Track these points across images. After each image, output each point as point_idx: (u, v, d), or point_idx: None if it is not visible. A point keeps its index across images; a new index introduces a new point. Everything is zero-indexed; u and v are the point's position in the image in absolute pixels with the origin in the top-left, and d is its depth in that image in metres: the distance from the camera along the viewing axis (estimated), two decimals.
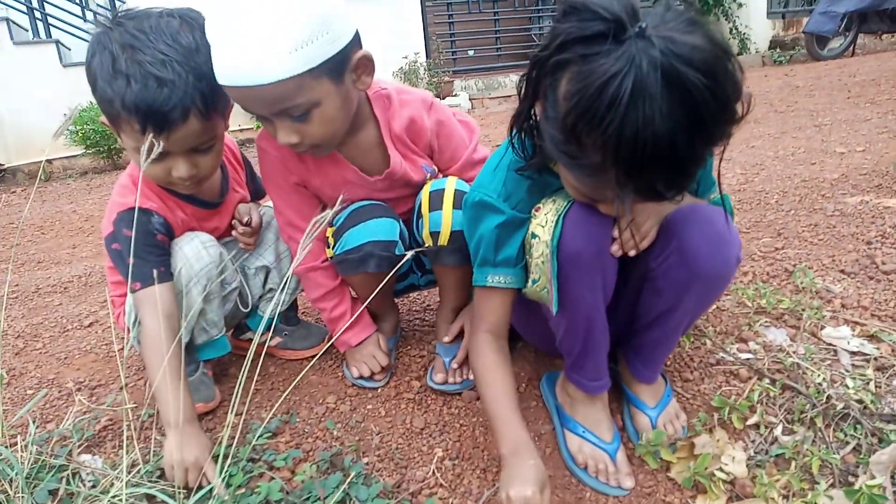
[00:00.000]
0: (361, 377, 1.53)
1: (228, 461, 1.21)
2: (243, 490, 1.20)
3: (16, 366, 1.78)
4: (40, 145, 6.28)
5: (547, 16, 10.24)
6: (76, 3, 7.27)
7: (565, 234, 1.09)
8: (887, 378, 1.47)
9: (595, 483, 1.28)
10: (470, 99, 8.23)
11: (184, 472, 1.18)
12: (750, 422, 1.38)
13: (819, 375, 1.47)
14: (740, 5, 9.24)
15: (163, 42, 1.17)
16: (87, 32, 6.84)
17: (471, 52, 9.69)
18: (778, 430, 1.37)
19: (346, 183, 1.43)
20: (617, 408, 1.43)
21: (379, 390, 1.53)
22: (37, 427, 1.45)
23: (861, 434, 1.33)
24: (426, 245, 1.40)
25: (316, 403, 1.48)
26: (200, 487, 1.16)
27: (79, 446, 1.33)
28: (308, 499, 1.19)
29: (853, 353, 1.55)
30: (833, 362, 1.53)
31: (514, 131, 1.08)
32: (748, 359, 1.55)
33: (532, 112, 1.02)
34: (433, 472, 1.29)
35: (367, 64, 1.24)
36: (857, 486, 1.17)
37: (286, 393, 1.50)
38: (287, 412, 1.45)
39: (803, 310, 1.68)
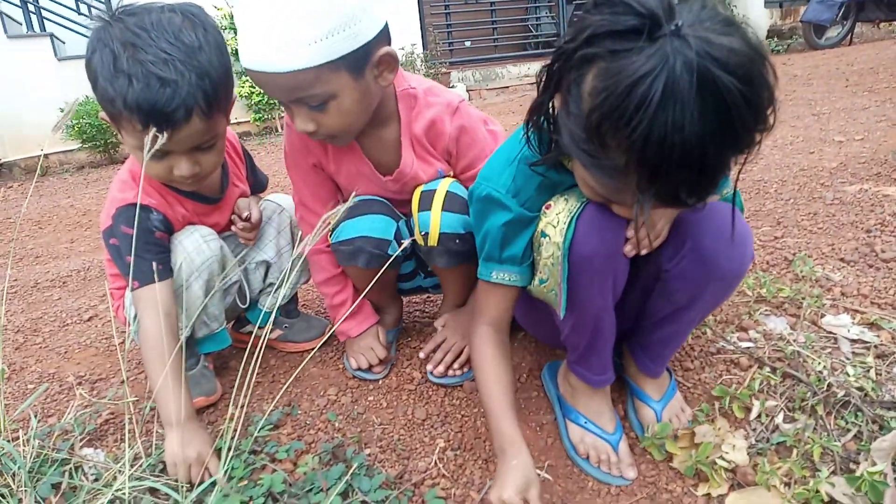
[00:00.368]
0: (360, 369, 1.53)
1: (230, 454, 1.21)
2: (246, 482, 1.20)
3: (16, 360, 1.77)
4: (36, 140, 6.26)
5: (544, 6, 10.20)
6: None
7: (578, 237, 1.08)
8: (888, 365, 1.48)
9: (597, 473, 1.28)
10: (467, 90, 8.21)
11: (187, 469, 1.18)
12: (751, 412, 1.39)
13: (819, 363, 1.47)
14: None
15: (165, 40, 1.15)
16: (81, 26, 6.81)
17: (467, 44, 9.66)
18: (779, 418, 1.37)
19: (360, 175, 1.43)
20: (619, 398, 1.43)
21: (380, 382, 1.53)
22: (38, 421, 1.45)
23: (862, 421, 1.33)
24: (419, 244, 1.40)
25: (317, 395, 1.48)
26: (202, 482, 1.16)
27: (81, 440, 1.33)
28: (310, 490, 1.19)
29: (853, 341, 1.56)
30: (833, 350, 1.53)
31: (530, 124, 1.05)
32: (748, 347, 1.56)
33: (551, 105, 0.98)
34: (435, 463, 1.29)
35: (390, 61, 1.23)
36: (858, 473, 1.17)
37: (286, 385, 1.50)
38: (289, 404, 1.45)
39: (803, 298, 1.69)
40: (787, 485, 1.23)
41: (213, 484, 1.14)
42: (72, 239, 2.91)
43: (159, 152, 1.17)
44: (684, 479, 1.27)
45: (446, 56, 8.92)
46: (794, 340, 1.55)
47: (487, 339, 1.21)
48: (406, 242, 1.16)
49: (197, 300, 1.38)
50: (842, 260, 1.90)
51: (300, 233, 1.55)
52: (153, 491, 1.17)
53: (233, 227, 1.51)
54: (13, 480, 1.17)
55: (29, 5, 7.11)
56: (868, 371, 1.45)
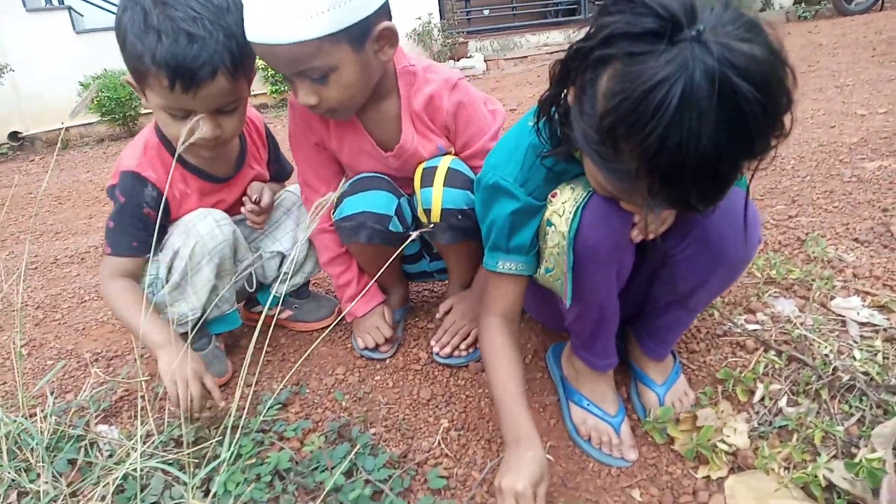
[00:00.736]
0: (367, 348, 1.55)
1: (239, 432, 1.24)
2: (254, 460, 1.23)
3: (36, 336, 1.83)
4: (56, 113, 6.32)
5: None
6: None
7: (583, 228, 1.07)
8: (895, 349, 1.47)
9: (598, 454, 1.30)
10: (485, 60, 8.11)
11: (185, 385, 1.23)
12: (755, 395, 1.39)
13: (826, 347, 1.47)
14: None
15: (194, 0, 1.18)
16: None
17: (485, 12, 9.52)
18: (783, 402, 1.37)
19: (361, 152, 1.45)
20: (622, 380, 1.44)
21: (387, 361, 1.55)
22: (55, 397, 1.50)
23: (866, 406, 1.33)
24: (423, 221, 1.41)
25: (325, 374, 1.51)
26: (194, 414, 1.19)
27: (96, 417, 1.38)
28: (316, 468, 1.23)
29: (862, 324, 1.54)
30: (841, 333, 1.52)
31: (540, 114, 1.03)
32: (755, 330, 1.55)
33: (563, 98, 0.96)
34: (439, 443, 1.31)
35: (390, 35, 1.25)
36: (858, 459, 1.17)
37: (297, 364, 1.53)
38: (297, 383, 1.49)
39: (813, 280, 1.67)
40: (787, 469, 1.24)
41: (221, 462, 1.17)
42: (90, 215, 2.96)
43: (182, 111, 1.24)
44: (685, 461, 1.28)
45: (464, 25, 8.82)
46: (802, 323, 1.54)
47: (497, 330, 1.21)
48: (414, 235, 1.17)
49: (208, 283, 1.40)
50: (856, 240, 1.87)
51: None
52: (167, 470, 1.21)
53: (242, 209, 1.53)
54: (31, 455, 1.22)
55: None
56: (875, 355, 1.44)
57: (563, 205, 1.11)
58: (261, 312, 1.69)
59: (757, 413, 1.37)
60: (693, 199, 0.82)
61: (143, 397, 1.36)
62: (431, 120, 1.40)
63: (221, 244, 1.40)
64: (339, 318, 1.65)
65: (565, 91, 0.96)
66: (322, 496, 1.15)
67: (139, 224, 1.36)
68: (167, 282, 1.42)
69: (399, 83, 1.39)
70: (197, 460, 1.22)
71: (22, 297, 2.09)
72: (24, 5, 6.55)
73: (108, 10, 7.07)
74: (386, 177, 1.46)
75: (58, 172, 4.22)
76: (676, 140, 0.74)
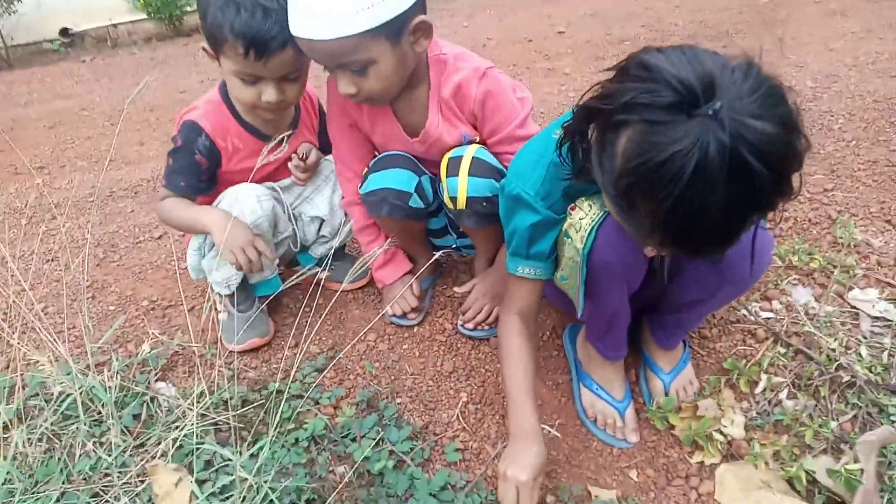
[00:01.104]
0: (395, 315, 1.68)
1: (283, 397, 1.40)
2: (293, 425, 1.39)
3: (98, 278, 2.00)
4: (104, 10, 6.33)
5: None
6: None
7: (597, 246, 1.14)
8: None
9: (603, 435, 1.42)
10: None
11: (242, 251, 1.43)
12: (758, 386, 1.47)
13: (834, 341, 1.52)
14: None
15: None
16: None
17: None
18: (783, 394, 1.46)
19: (391, 135, 1.52)
20: (633, 362, 1.54)
21: (415, 330, 1.67)
22: (118, 346, 1.68)
23: (864, 403, 1.41)
24: (449, 207, 1.48)
25: (358, 340, 1.65)
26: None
27: (155, 375, 1.55)
28: (346, 436, 1.38)
29: (875, 318, 1.59)
30: (853, 327, 1.57)
31: (565, 141, 1.07)
32: (769, 318, 1.61)
33: (585, 137, 0.98)
34: (457, 417, 1.45)
35: (426, 29, 1.30)
36: (839, 466, 1.26)
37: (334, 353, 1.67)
38: (332, 348, 1.63)
39: (835, 267, 1.70)
40: (776, 461, 1.34)
41: (265, 428, 1.33)
42: (141, 141, 3.07)
43: (252, 77, 1.39)
44: (682, 446, 1.39)
45: None
46: (815, 316, 1.59)
47: (515, 328, 1.30)
48: (437, 255, 1.26)
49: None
50: (888, 222, 1.87)
51: None
52: (216, 427, 1.39)
53: (290, 164, 1.62)
54: (103, 410, 1.40)
55: None
56: (881, 353, 1.50)
57: (581, 221, 1.17)
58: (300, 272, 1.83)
59: (757, 403, 1.46)
60: (703, 252, 0.89)
61: (198, 361, 1.51)
62: (459, 107, 1.44)
63: (260, 218, 1.51)
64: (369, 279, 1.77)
65: (587, 131, 0.99)
66: (352, 464, 1.31)
67: (190, 167, 1.52)
68: (210, 248, 1.56)
69: (430, 71, 1.43)
70: (242, 425, 1.38)
71: (83, 233, 2.26)
72: None
73: None
74: (409, 155, 1.53)
75: (108, 81, 4.31)
76: (688, 208, 0.79)
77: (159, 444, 1.33)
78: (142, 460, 1.31)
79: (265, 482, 1.22)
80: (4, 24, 5.31)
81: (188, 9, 6.49)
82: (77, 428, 1.37)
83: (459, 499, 1.26)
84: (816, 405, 1.43)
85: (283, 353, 1.63)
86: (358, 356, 1.61)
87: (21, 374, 1.53)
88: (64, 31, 6.51)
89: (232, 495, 1.23)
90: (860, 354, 1.50)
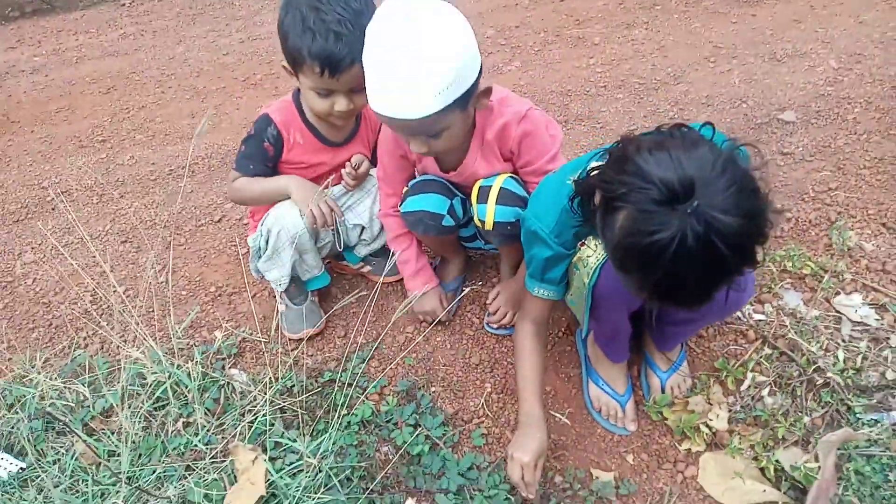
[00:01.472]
0: (424, 321, 1.92)
1: (335, 386, 1.68)
2: (346, 411, 1.67)
3: (168, 262, 2.27)
4: None
5: None
6: None
7: (601, 281, 1.37)
8: (878, 349, 1.72)
9: (605, 423, 1.67)
10: None
11: (317, 205, 1.68)
12: (744, 383, 1.70)
13: (816, 344, 1.73)
14: None
15: (339, 5, 1.50)
16: None
17: None
18: (765, 392, 1.69)
19: (430, 168, 1.72)
20: (636, 359, 1.77)
21: (447, 324, 1.92)
22: (194, 332, 1.97)
23: (835, 401, 1.63)
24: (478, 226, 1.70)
25: (398, 332, 1.90)
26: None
27: (229, 363, 1.83)
28: (389, 421, 1.66)
29: (856, 323, 1.79)
30: (835, 331, 1.78)
31: (576, 195, 1.25)
32: (760, 320, 1.82)
33: (593, 198, 1.16)
34: (482, 405, 1.72)
35: (487, 92, 1.46)
36: (806, 457, 1.51)
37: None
38: (376, 339, 1.89)
39: (825, 272, 1.88)
40: (752, 450, 1.59)
41: (326, 414, 1.60)
42: (192, 113, 3.27)
43: (326, 91, 1.60)
44: (673, 435, 1.64)
45: None
46: (801, 319, 1.80)
47: (529, 334, 1.54)
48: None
49: (290, 259, 1.78)
50: (883, 225, 2.03)
51: None
52: (282, 411, 1.67)
53: (342, 171, 1.83)
54: (188, 395, 1.69)
55: None
56: (857, 356, 1.71)
57: (588, 258, 1.39)
58: (347, 265, 2.08)
59: (741, 398, 1.69)
60: (684, 308, 1.12)
61: (266, 350, 1.79)
62: (500, 147, 1.61)
63: (302, 231, 1.74)
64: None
65: (594, 195, 1.19)
66: (394, 446, 1.60)
67: (259, 153, 1.76)
68: (264, 252, 1.80)
69: (476, 116, 1.58)
70: (305, 412, 1.66)
71: (150, 214, 2.52)
72: None
73: None
74: (441, 180, 1.72)
75: (151, 38, 4.46)
76: (670, 281, 1.01)
77: (237, 426, 1.62)
78: (223, 440, 1.60)
79: (325, 463, 1.51)
80: None
81: None
82: (168, 410, 1.67)
83: (483, 478, 1.54)
84: (793, 403, 1.66)
85: (334, 342, 1.90)
86: (399, 347, 1.87)
87: (116, 358, 1.84)
88: None
89: (298, 471, 1.52)
90: (837, 357, 1.71)
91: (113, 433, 1.64)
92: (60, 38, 4.56)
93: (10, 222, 2.58)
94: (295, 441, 1.57)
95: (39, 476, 1.56)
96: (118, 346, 1.88)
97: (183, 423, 1.67)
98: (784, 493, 1.50)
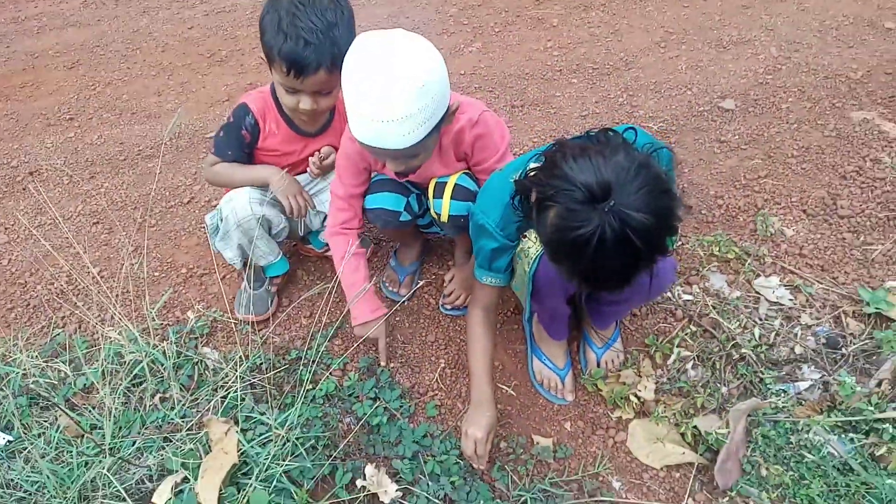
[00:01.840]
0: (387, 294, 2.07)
1: (302, 362, 1.83)
2: (311, 386, 1.83)
3: (139, 243, 2.37)
4: None
5: None
6: None
7: (540, 269, 1.54)
8: (790, 326, 1.93)
9: (547, 394, 1.86)
10: None
11: (294, 197, 1.84)
12: (670, 358, 1.90)
13: (735, 322, 1.93)
14: None
15: (314, 14, 1.61)
16: None
17: None
18: (689, 365, 1.89)
19: (390, 172, 1.83)
20: (576, 336, 1.95)
21: (406, 304, 2.08)
22: (167, 312, 2.09)
23: (750, 373, 1.84)
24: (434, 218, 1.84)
25: None
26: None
27: (201, 341, 1.97)
28: (351, 395, 1.83)
29: (772, 303, 1.99)
30: (754, 310, 1.98)
31: (516, 194, 1.41)
32: (687, 301, 2.01)
33: (530, 196, 1.30)
34: (437, 379, 1.89)
35: (455, 111, 1.57)
36: (719, 423, 1.71)
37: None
38: (339, 319, 2.04)
39: (748, 256, 2.08)
40: (674, 418, 1.79)
41: (293, 388, 1.76)
42: (158, 90, 3.32)
43: (292, 89, 1.71)
44: (606, 405, 1.84)
45: None
46: (724, 300, 2.00)
47: (479, 320, 1.70)
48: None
49: (237, 242, 1.89)
50: (804, 212, 2.23)
51: None
52: (253, 387, 1.82)
53: (310, 159, 1.94)
54: (164, 372, 1.83)
55: None
56: (771, 333, 1.92)
57: (529, 249, 1.56)
58: (311, 248, 2.21)
59: (668, 371, 1.89)
60: (608, 291, 1.33)
61: (235, 330, 1.93)
62: (455, 150, 1.74)
63: (248, 218, 1.84)
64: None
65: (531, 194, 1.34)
66: (356, 417, 1.76)
67: (236, 140, 1.87)
68: (219, 230, 1.92)
69: None
70: (273, 387, 1.82)
71: (121, 196, 2.61)
72: None
73: None
74: (398, 180, 1.84)
75: (114, 7, 4.43)
76: (593, 269, 1.19)
77: (210, 401, 1.77)
78: (197, 413, 1.75)
79: (292, 433, 1.67)
80: None
81: None
82: (145, 387, 1.81)
83: (436, 444, 1.72)
84: (712, 375, 1.86)
85: (300, 322, 2.05)
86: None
87: (94, 337, 1.96)
88: None
89: (267, 441, 1.68)
90: (753, 334, 1.91)
91: (94, 408, 1.78)
92: (19, 5, 4.50)
93: None
94: (264, 414, 1.72)
95: (26, 448, 1.69)
96: (95, 327, 2.00)
97: (160, 398, 1.81)
98: (700, 455, 1.70)
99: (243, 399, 1.76)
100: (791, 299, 1.99)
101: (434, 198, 1.78)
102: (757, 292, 2.02)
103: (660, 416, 1.77)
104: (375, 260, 2.26)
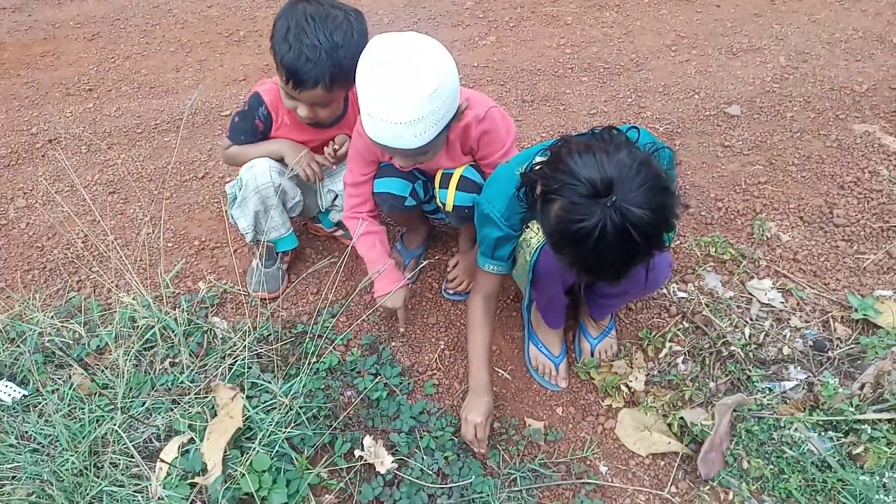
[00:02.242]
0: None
1: (307, 337, 1.90)
2: (315, 359, 1.90)
3: (154, 214, 2.44)
4: None
5: None
6: None
7: (541, 259, 1.60)
8: (779, 328, 2.00)
9: (541, 380, 1.93)
10: None
11: (308, 166, 1.91)
12: (662, 351, 1.97)
13: (726, 321, 2.00)
14: None
15: (322, 32, 1.64)
16: None
17: None
18: (679, 360, 1.96)
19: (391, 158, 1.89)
20: (573, 325, 2.02)
21: (410, 286, 2.15)
22: (179, 282, 2.16)
23: (737, 371, 1.91)
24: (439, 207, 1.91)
25: (366, 291, 2.12)
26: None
27: (211, 310, 2.04)
28: (353, 370, 1.90)
29: (764, 304, 2.06)
30: (746, 311, 2.04)
31: (522, 186, 1.47)
32: (682, 298, 2.08)
33: (535, 189, 1.37)
34: (436, 360, 1.96)
35: (464, 110, 1.63)
36: (705, 414, 1.78)
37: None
38: (345, 297, 2.11)
39: (743, 258, 2.15)
40: (662, 409, 1.86)
41: (299, 360, 1.83)
42: (177, 66, 3.38)
43: (290, 96, 1.77)
44: (597, 392, 1.91)
45: None
46: (717, 299, 2.06)
47: (479, 307, 1.76)
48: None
49: (254, 209, 1.94)
50: (801, 219, 2.29)
51: None
52: (259, 356, 1.90)
53: (325, 148, 1.99)
54: (174, 339, 1.90)
55: None
56: (760, 333, 1.98)
57: (531, 239, 1.63)
58: (321, 227, 2.28)
59: (659, 364, 1.96)
60: (606, 282, 1.40)
61: (245, 302, 2.00)
62: (461, 145, 1.80)
63: (266, 185, 1.91)
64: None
65: (536, 187, 1.41)
66: (357, 391, 1.84)
67: (250, 128, 1.94)
68: (236, 199, 1.98)
69: None
70: (279, 358, 1.89)
71: (137, 167, 2.68)
72: None
73: None
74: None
75: None
76: (593, 261, 1.25)
77: (218, 367, 1.84)
78: (205, 379, 1.83)
79: (295, 402, 1.75)
80: None
81: None
82: (156, 351, 1.89)
83: (432, 421, 1.80)
84: (701, 370, 1.93)
85: (307, 298, 2.12)
86: (365, 304, 2.09)
87: (108, 301, 2.03)
88: None
89: (272, 409, 1.76)
90: (744, 333, 1.98)
91: (107, 368, 1.86)
92: None
93: (1, 167, 2.71)
94: (269, 382, 1.79)
95: (41, 403, 1.77)
96: (110, 291, 2.08)
97: (170, 362, 1.88)
98: (686, 445, 1.78)
99: (250, 367, 1.84)
100: (782, 302, 2.05)
101: (440, 188, 1.84)
102: (750, 293, 2.09)
103: (648, 406, 1.84)
104: None
